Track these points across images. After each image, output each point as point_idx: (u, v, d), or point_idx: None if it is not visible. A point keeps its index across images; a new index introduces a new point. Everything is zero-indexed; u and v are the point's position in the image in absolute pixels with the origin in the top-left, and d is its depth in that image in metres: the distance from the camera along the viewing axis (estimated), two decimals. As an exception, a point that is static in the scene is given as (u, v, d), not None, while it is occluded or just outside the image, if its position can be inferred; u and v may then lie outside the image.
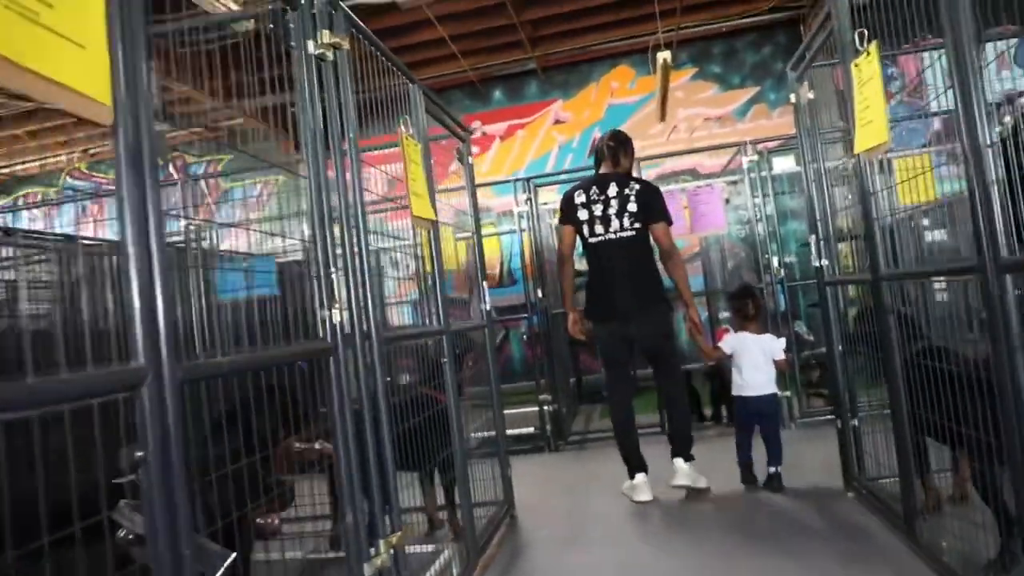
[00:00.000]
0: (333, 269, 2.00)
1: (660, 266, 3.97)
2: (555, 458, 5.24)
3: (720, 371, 4.83)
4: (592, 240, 3.92)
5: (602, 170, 4.05)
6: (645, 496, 3.82)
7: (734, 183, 5.72)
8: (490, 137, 10.37)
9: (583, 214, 3.94)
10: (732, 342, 3.96)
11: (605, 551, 3.16)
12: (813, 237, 3.41)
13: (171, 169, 12.04)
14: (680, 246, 9.44)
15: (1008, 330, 1.71)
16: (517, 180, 5.44)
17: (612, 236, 3.86)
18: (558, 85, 10.25)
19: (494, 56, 9.61)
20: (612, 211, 3.87)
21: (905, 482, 2.60)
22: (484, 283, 3.74)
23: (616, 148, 4.01)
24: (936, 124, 4.66)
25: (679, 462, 3.90)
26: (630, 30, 9.26)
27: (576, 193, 3.97)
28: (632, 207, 3.85)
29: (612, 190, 3.90)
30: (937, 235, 3.96)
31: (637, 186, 3.90)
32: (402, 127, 2.73)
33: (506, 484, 3.71)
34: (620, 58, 10.07)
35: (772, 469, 3.77)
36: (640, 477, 3.87)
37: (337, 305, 1.99)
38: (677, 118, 9.78)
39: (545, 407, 5.37)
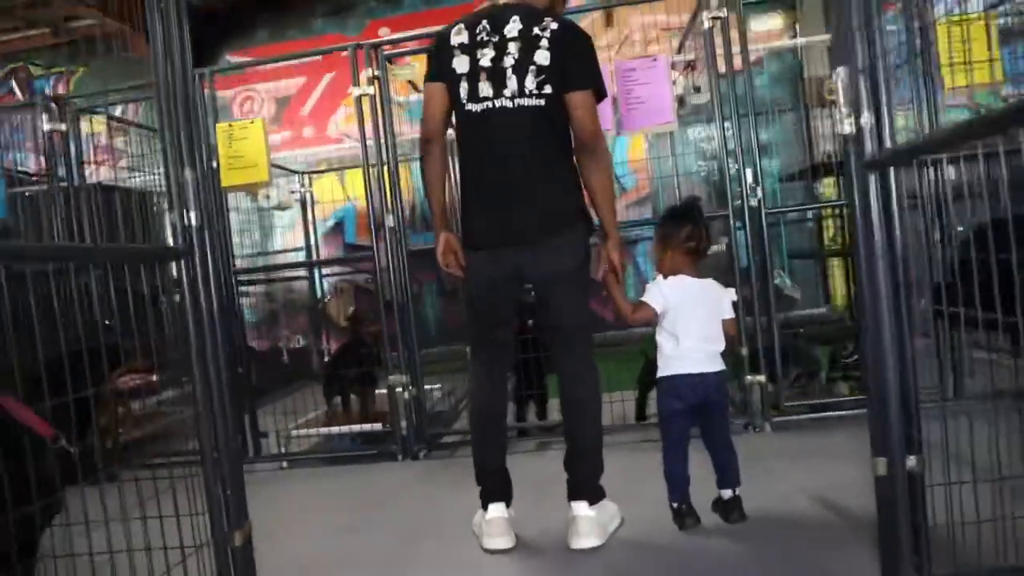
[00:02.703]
0: None
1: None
2: (407, 472, 3.45)
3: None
4: (472, 107, 2.27)
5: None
6: (499, 542, 2.31)
7: (691, 66, 3.91)
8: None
9: (461, 63, 2.27)
10: (666, 291, 2.31)
11: None
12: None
13: (12, 84, 9.82)
14: (621, 174, 7.40)
15: None
16: (357, 46, 3.49)
17: (506, 103, 2.24)
18: (486, -16, 8.25)
19: (401, -64, 7.58)
20: (509, 61, 2.23)
21: None
22: (189, 182, 1.87)
23: None
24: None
25: (581, 508, 2.29)
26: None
27: (455, 30, 2.32)
28: (542, 58, 2.21)
29: (512, 27, 2.25)
30: None
31: (555, 25, 2.25)
32: None
33: (226, 557, 1.89)
34: (561, -51, 8.11)
35: (728, 493, 2.34)
36: (496, 509, 2.35)
37: None
38: (630, 27, 7.90)
39: (401, 392, 3.56)
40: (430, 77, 2.34)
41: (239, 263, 7.03)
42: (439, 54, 2.31)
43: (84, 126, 3.96)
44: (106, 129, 3.97)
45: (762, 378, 3.29)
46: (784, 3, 5.18)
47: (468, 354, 2.57)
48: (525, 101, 2.21)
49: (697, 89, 4.11)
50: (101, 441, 3.58)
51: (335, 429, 3.85)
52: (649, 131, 3.53)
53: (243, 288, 6.42)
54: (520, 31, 2.23)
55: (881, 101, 1.52)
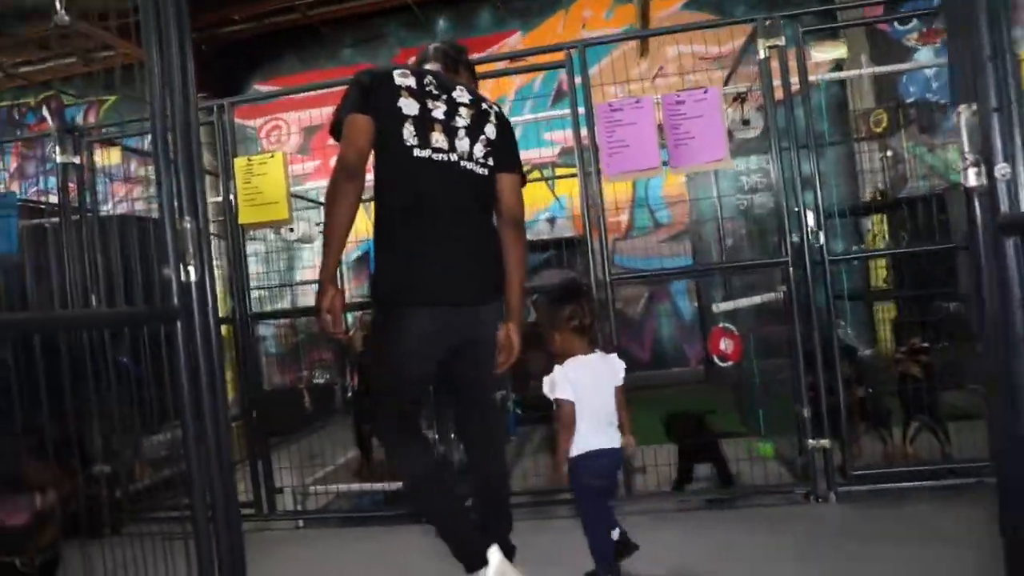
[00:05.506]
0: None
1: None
2: (395, 540, 3.14)
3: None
4: (421, 153, 2.15)
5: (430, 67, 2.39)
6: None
7: (741, 98, 3.64)
8: (430, 78, 8.24)
9: (409, 106, 2.16)
10: (571, 375, 2.27)
11: None
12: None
13: (44, 113, 9.84)
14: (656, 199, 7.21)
15: None
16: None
17: (457, 161, 2.20)
18: (517, 13, 8.11)
19: (433, -32, 7.48)
20: (462, 123, 2.22)
21: None
22: (188, 231, 1.64)
23: (457, 57, 2.41)
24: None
25: (493, 556, 2.16)
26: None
27: (399, 72, 2.20)
28: (491, 132, 2.28)
29: (461, 95, 2.26)
30: None
31: (496, 108, 2.35)
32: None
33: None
34: (595, -22, 7.97)
35: (616, 533, 2.36)
36: (492, 554, 2.15)
37: None
38: (664, 57, 7.68)
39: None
40: (358, 108, 2.12)
41: (260, 294, 6.87)
42: (378, 88, 2.14)
43: (100, 157, 3.80)
44: (121, 159, 3.80)
45: (826, 442, 2.96)
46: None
47: (379, 427, 2.35)
48: (471, 166, 2.21)
49: (746, 122, 3.85)
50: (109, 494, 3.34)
51: (355, 487, 3.57)
52: (700, 169, 3.25)
53: (264, 322, 6.23)
54: (471, 100, 2.25)
55: (1018, 148, 1.24)
